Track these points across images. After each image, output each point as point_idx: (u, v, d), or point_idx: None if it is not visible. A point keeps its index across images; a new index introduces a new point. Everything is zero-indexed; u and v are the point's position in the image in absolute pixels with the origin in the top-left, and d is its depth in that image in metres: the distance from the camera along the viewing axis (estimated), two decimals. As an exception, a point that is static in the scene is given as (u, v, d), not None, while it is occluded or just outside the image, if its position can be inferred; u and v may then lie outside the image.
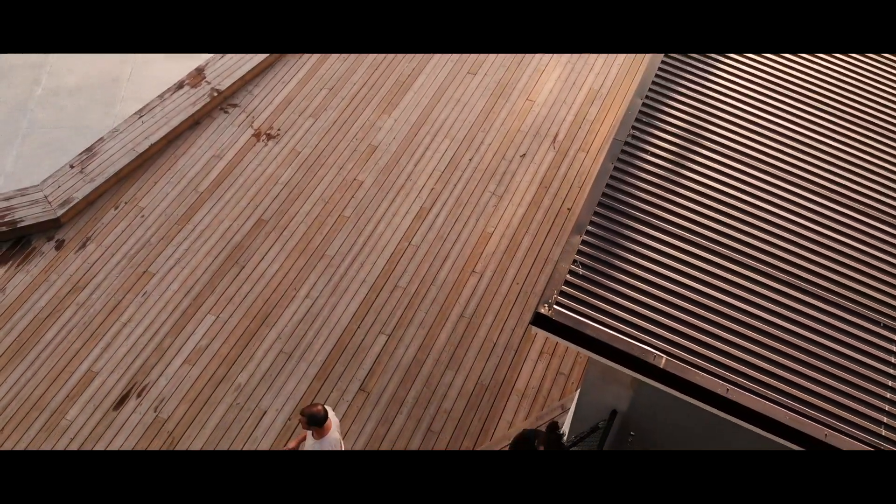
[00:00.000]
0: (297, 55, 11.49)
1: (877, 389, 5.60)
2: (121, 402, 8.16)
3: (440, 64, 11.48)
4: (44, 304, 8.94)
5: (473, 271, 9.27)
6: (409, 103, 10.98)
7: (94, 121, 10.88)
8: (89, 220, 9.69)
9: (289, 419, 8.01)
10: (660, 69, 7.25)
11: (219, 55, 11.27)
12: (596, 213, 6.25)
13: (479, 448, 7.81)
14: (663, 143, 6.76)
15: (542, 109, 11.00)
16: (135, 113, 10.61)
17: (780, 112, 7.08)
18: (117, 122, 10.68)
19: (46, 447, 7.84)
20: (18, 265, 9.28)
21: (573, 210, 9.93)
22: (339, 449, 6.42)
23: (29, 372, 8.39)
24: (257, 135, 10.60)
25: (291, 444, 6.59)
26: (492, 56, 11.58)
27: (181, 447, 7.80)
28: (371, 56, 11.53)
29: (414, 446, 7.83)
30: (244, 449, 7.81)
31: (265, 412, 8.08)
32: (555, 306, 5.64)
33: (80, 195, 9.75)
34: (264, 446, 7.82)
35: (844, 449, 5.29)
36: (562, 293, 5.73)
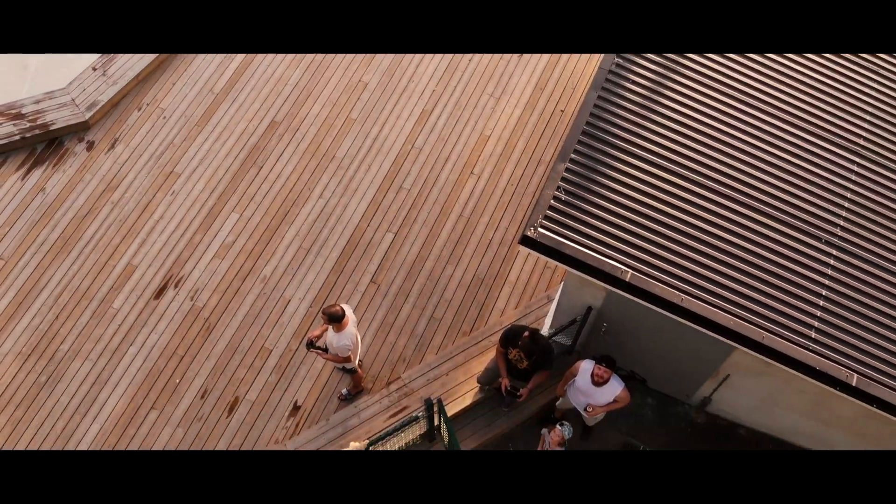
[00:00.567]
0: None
1: (811, 298, 6.66)
2: (160, 292, 9.27)
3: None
4: (82, 202, 9.86)
5: (472, 173, 10.14)
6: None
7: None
8: (115, 122, 10.43)
9: (310, 307, 9.15)
10: None
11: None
12: (580, 142, 7.08)
13: (474, 332, 9.00)
14: (641, 78, 7.47)
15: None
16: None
17: (745, 63, 7.71)
18: (132, 22, 11.14)
19: (97, 333, 9.00)
20: (55, 166, 10.12)
21: (566, 112, 10.65)
22: (356, 340, 7.58)
23: (75, 265, 9.44)
24: (267, 35, 11.10)
25: (316, 333, 7.72)
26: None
27: (216, 333, 8.98)
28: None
29: (419, 332, 9.02)
30: (271, 333, 8.99)
31: (289, 301, 9.21)
32: (539, 229, 6.60)
33: (104, 98, 10.43)
34: (289, 331, 9.00)
35: (777, 348, 6.42)
36: (545, 217, 6.67)
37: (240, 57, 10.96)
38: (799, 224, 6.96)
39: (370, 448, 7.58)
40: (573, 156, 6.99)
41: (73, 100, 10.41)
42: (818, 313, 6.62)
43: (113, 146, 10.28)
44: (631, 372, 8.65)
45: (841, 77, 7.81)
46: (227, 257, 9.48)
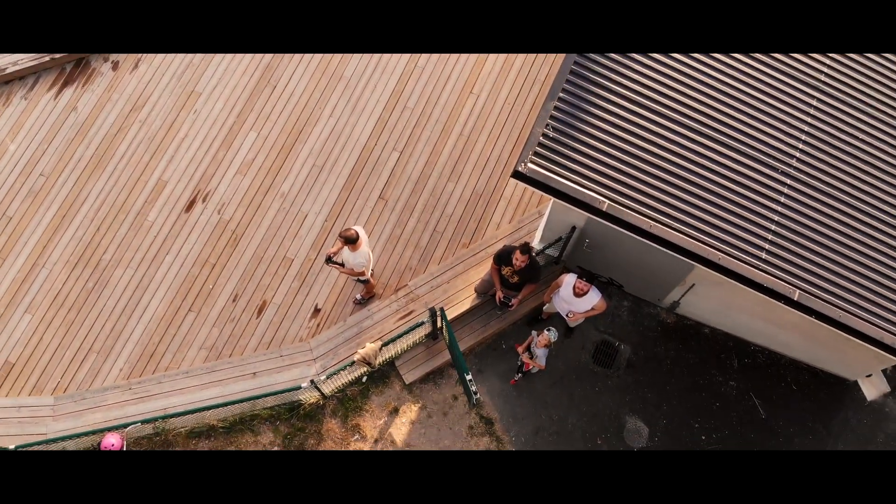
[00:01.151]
0: None
1: (765, 223, 7.68)
2: (189, 206, 10.28)
3: None
4: (112, 120, 10.70)
5: (471, 92, 10.91)
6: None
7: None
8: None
9: (325, 221, 10.18)
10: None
11: None
12: (567, 81, 7.89)
13: (472, 244, 10.07)
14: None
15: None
16: (160, -68, 11.46)
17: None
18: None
19: (136, 243, 10.08)
20: (84, 85, 10.89)
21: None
22: (369, 257, 8.66)
23: (111, 181, 10.40)
24: (275, -46, 11.55)
25: (333, 250, 8.77)
26: None
27: (243, 243, 10.06)
28: None
29: (423, 244, 10.09)
30: (292, 244, 10.07)
31: (306, 215, 10.23)
32: (528, 164, 7.54)
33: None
34: (308, 242, 10.08)
35: (730, 268, 7.49)
36: (535, 153, 7.59)
37: (250, -24, 11.45)
38: (758, 156, 7.87)
39: (383, 348, 8.83)
40: (561, 94, 7.83)
41: (95, 21, 11.02)
42: (769, 237, 7.65)
43: (136, 66, 11.00)
44: (609, 279, 9.79)
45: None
46: (248, 174, 10.43)
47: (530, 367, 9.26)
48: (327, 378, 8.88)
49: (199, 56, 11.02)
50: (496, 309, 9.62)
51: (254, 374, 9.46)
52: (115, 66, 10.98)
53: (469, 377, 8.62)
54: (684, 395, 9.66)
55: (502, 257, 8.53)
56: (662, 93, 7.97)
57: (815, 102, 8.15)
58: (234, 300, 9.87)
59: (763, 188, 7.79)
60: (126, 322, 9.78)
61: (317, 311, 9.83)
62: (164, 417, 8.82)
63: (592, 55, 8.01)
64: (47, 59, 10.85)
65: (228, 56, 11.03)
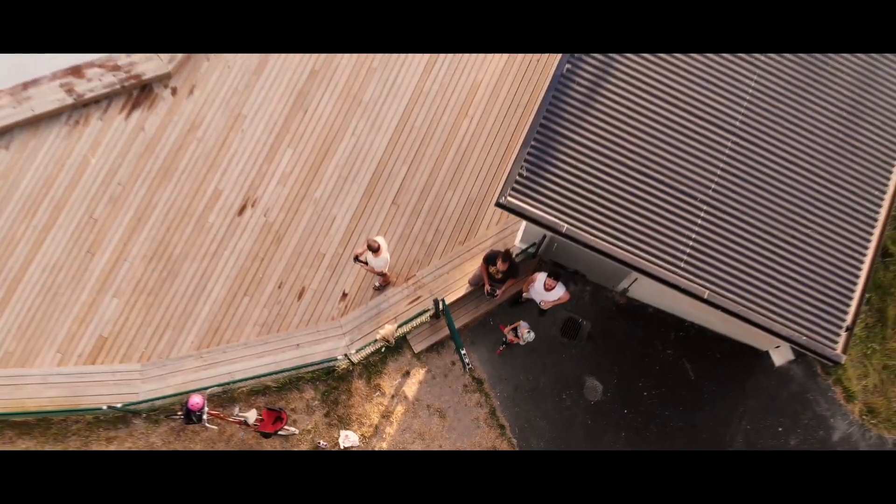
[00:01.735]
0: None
1: (685, 239, 10.27)
2: (241, 210, 12.82)
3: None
4: (174, 138, 13.15)
5: (466, 115, 13.33)
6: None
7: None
8: (191, 71, 13.45)
9: (349, 223, 12.73)
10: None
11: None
12: (538, 132, 10.38)
13: (467, 242, 12.65)
14: (584, 80, 10.60)
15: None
16: (207, -26, 13.69)
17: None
18: (193, -20, 13.79)
19: (199, 241, 12.66)
20: (149, 108, 13.30)
21: (541, 62, 13.62)
22: (387, 260, 11.25)
23: (176, 190, 12.91)
24: (303, -8, 13.82)
25: (359, 251, 11.32)
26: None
27: (285, 241, 12.64)
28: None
29: (427, 241, 12.68)
30: (324, 242, 12.65)
31: (335, 218, 12.79)
32: (507, 197, 10.10)
33: (181, 52, 13.38)
34: (336, 240, 12.65)
35: (652, 272, 10.09)
36: (512, 189, 10.14)
37: (282, 12, 13.73)
38: (683, 189, 10.41)
39: (399, 328, 11.53)
40: (532, 143, 10.33)
41: (158, 54, 13.37)
42: (688, 250, 10.25)
43: (192, 92, 13.39)
44: (575, 270, 12.43)
45: (727, 72, 10.90)
46: (286, 184, 12.94)
47: (514, 341, 11.97)
48: (356, 351, 11.61)
49: (242, 83, 13.39)
50: (485, 296, 12.28)
51: (297, 345, 12.17)
52: (174, 91, 13.38)
53: (463, 352, 11.36)
54: (632, 360, 12.40)
55: (490, 258, 11.15)
56: (610, 143, 10.45)
57: (729, 145, 10.64)
58: (279, 287, 12.52)
59: (685, 213, 10.35)
60: (195, 304, 12.44)
61: (344, 295, 12.49)
62: (233, 382, 11.58)
63: (558, 110, 10.47)
64: (118, 86, 13.23)
65: (268, 84, 13.40)
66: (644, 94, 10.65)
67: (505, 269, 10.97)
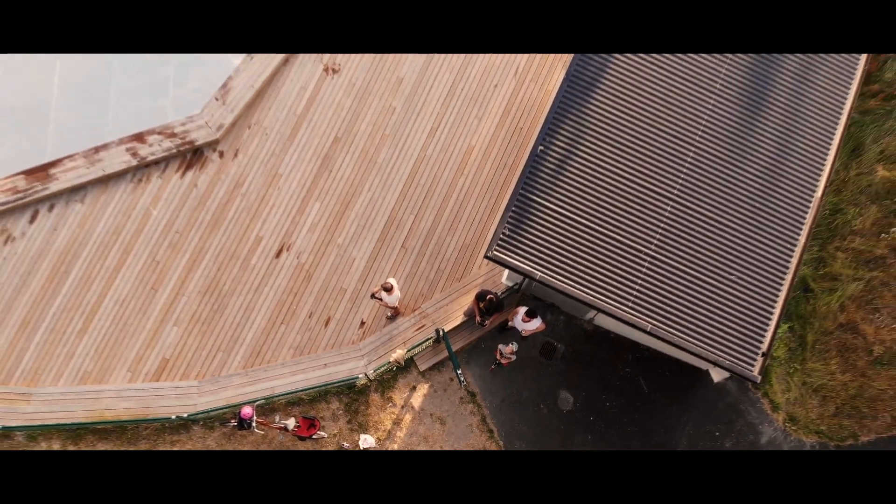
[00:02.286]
0: (346, 1, 16.91)
1: (633, 284, 13.05)
2: (278, 254, 15.63)
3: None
4: (222, 194, 15.96)
5: (463, 174, 16.14)
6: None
7: (215, 55, 16.79)
8: (235, 138, 16.28)
9: (366, 263, 15.53)
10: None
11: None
12: (518, 197, 13.18)
13: (463, 279, 15.43)
14: (553, 158, 13.41)
15: (510, 47, 16.87)
16: (247, 55, 16.54)
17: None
18: (236, 58, 16.63)
19: (244, 279, 15.45)
20: (201, 169, 16.12)
21: (524, 129, 16.44)
22: (399, 298, 14.04)
23: (224, 236, 15.72)
24: (326, 70, 16.67)
25: (376, 290, 14.10)
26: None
27: (314, 279, 15.43)
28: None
29: (430, 278, 15.47)
30: (346, 279, 15.44)
31: (354, 259, 15.59)
32: (494, 251, 12.90)
33: (226, 121, 16.20)
34: (356, 278, 15.44)
35: (606, 309, 12.88)
36: (497, 245, 12.94)
37: (310, 86, 16.56)
38: (631, 244, 13.20)
39: (407, 351, 14.33)
40: (513, 208, 13.13)
41: (206, 123, 16.20)
42: (635, 292, 13.04)
43: (236, 155, 16.22)
44: (551, 303, 15.22)
45: (668, 153, 13.70)
46: (315, 231, 15.75)
47: (505, 363, 14.75)
48: (373, 371, 14.42)
49: (278, 148, 16.20)
50: (476, 325, 15.06)
51: (325, 365, 14.97)
52: (221, 154, 16.20)
53: (459, 371, 14.16)
54: (597, 377, 15.17)
55: (480, 296, 13.93)
56: (574, 209, 13.25)
57: (668, 210, 13.43)
58: (309, 316, 15.31)
59: (634, 263, 13.15)
60: (241, 331, 15.23)
61: (363, 324, 15.29)
62: (273, 396, 14.38)
63: (533, 183, 13.27)
64: (175, 150, 16.05)
65: (299, 148, 16.20)
66: (600, 173, 13.46)
67: (492, 306, 13.76)
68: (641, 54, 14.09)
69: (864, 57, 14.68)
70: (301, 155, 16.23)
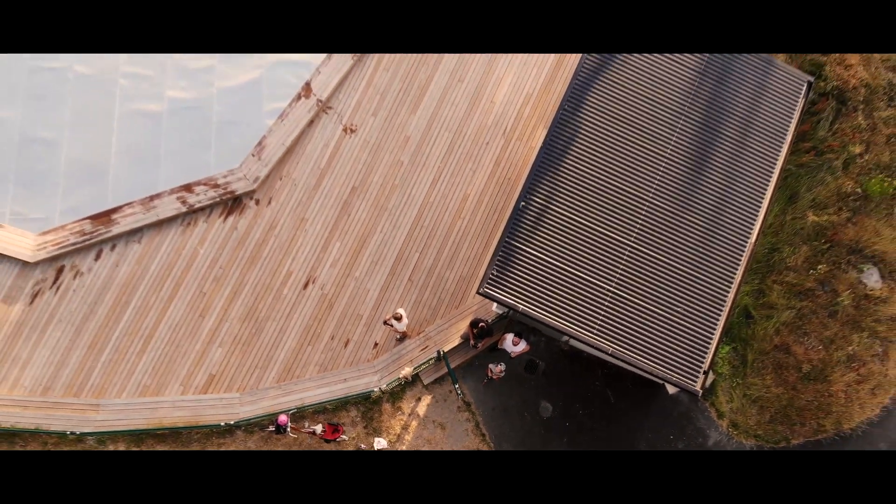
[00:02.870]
0: (361, 66, 20.00)
1: (599, 312, 16.04)
2: (305, 285, 18.65)
3: (441, 76, 20.06)
4: (258, 236, 18.99)
5: (460, 217, 19.18)
6: (423, 110, 19.86)
7: (251, 117, 19.84)
8: (268, 188, 19.32)
9: (379, 293, 18.54)
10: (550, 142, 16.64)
11: (317, 72, 19.84)
12: (504, 243, 16.21)
13: (460, 307, 18.43)
14: (538, 205, 16.43)
15: (499, 109, 19.94)
16: (279, 117, 19.60)
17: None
18: (269, 119, 19.67)
19: (278, 307, 18.46)
20: (240, 214, 19.16)
21: (512, 179, 19.45)
22: (408, 325, 17.06)
23: (260, 271, 18.74)
24: (345, 129, 19.73)
25: (387, 317, 17.09)
26: (471, 67, 20.09)
27: (335, 307, 18.44)
28: (402, 68, 20.08)
29: (433, 305, 18.47)
30: (361, 307, 18.45)
31: (369, 290, 18.61)
32: (485, 288, 15.93)
33: (262, 174, 19.25)
34: (370, 306, 18.45)
35: (575, 335, 15.88)
36: (487, 282, 15.98)
37: (332, 144, 19.59)
38: (597, 281, 16.21)
39: (414, 369, 17.35)
40: (500, 251, 16.15)
41: (244, 175, 19.25)
42: (599, 321, 16.04)
43: (269, 202, 19.26)
44: (534, 328, 18.23)
45: (625, 206, 16.70)
46: (336, 266, 18.79)
47: (496, 379, 17.73)
48: (386, 385, 17.44)
49: (305, 196, 19.23)
50: (471, 347, 18.06)
51: (345, 380, 17.98)
52: (257, 202, 19.24)
53: (457, 385, 17.17)
54: (572, 389, 18.15)
55: (474, 323, 16.95)
56: (550, 252, 16.26)
57: (625, 254, 16.44)
58: (331, 339, 18.33)
59: (598, 297, 16.14)
60: (275, 351, 18.25)
61: (376, 345, 18.30)
62: (304, 406, 17.39)
63: (517, 229, 16.29)
64: (218, 199, 19.09)
65: (322, 197, 19.22)
66: (572, 224, 16.50)
67: (484, 331, 16.78)
68: (605, 127, 17.12)
69: (794, 120, 17.68)
70: (324, 202, 19.27)
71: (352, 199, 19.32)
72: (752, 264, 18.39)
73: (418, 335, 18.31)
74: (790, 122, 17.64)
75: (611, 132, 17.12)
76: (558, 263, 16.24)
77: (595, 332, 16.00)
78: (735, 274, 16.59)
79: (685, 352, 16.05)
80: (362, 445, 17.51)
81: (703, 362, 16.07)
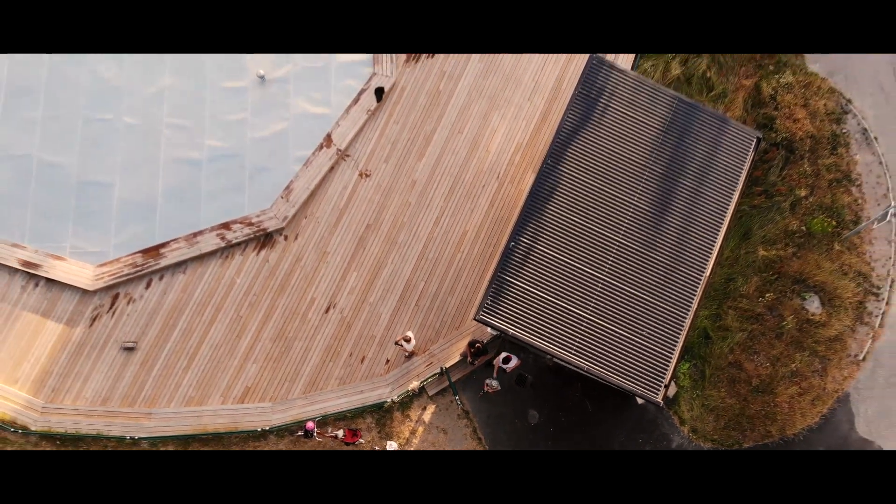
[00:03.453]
0: (374, 119, 23.10)
1: (573, 334, 19.11)
2: (327, 310, 21.73)
3: (444, 128, 23.17)
4: (287, 267, 22.08)
5: (460, 250, 22.26)
6: (428, 157, 22.97)
7: (280, 164, 22.94)
8: (295, 225, 22.41)
9: (390, 317, 21.60)
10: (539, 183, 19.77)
11: (337, 125, 22.94)
12: (497, 277, 19.31)
13: (461, 328, 21.50)
14: (525, 244, 19.53)
15: (493, 156, 23.05)
16: (304, 164, 22.71)
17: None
18: (295, 165, 22.76)
19: (304, 328, 21.51)
20: (271, 248, 22.25)
21: (507, 217, 22.53)
22: (416, 345, 20.15)
23: (290, 298, 21.79)
24: (361, 175, 22.85)
25: (398, 339, 20.13)
26: (469, 120, 23.19)
27: (352, 330, 21.50)
28: (410, 119, 23.20)
29: (436, 326, 21.53)
30: (375, 329, 21.51)
31: (381, 314, 21.69)
32: (480, 315, 19.03)
33: (289, 213, 22.33)
34: (382, 328, 21.51)
35: (556, 355, 18.93)
36: (483, 310, 19.07)
37: (350, 187, 22.67)
38: (575, 308, 19.26)
39: (421, 382, 20.43)
40: (493, 285, 19.22)
41: (275, 215, 22.34)
42: (577, 341, 19.09)
43: (296, 238, 22.35)
44: (523, 346, 21.28)
45: (601, 244, 19.77)
46: (353, 293, 21.86)
47: (492, 391, 20.78)
48: (397, 397, 20.53)
49: (326, 232, 22.30)
50: (469, 363, 21.10)
51: (361, 391, 21.05)
52: (286, 238, 22.33)
53: (457, 396, 20.26)
54: (556, 399, 21.19)
55: (471, 343, 20.03)
56: (534, 286, 19.33)
57: (600, 285, 19.50)
58: (350, 355, 21.41)
59: (576, 323, 19.20)
60: (302, 367, 21.31)
61: (387, 361, 21.38)
62: (327, 415, 20.47)
63: (508, 266, 19.37)
64: (252, 236, 22.17)
65: (341, 233, 22.30)
66: (553, 261, 19.57)
67: (480, 351, 19.86)
68: (581, 178, 20.20)
69: (745, 169, 20.73)
70: (343, 237, 22.35)
71: (366, 235, 22.38)
72: (711, 292, 21.46)
73: (424, 353, 21.38)
74: (741, 172, 20.69)
75: (586, 182, 20.19)
76: (543, 294, 19.30)
77: (573, 351, 19.04)
78: (692, 303, 19.64)
79: (649, 368, 19.09)
80: (376, 447, 20.56)
81: (664, 377, 19.11)
